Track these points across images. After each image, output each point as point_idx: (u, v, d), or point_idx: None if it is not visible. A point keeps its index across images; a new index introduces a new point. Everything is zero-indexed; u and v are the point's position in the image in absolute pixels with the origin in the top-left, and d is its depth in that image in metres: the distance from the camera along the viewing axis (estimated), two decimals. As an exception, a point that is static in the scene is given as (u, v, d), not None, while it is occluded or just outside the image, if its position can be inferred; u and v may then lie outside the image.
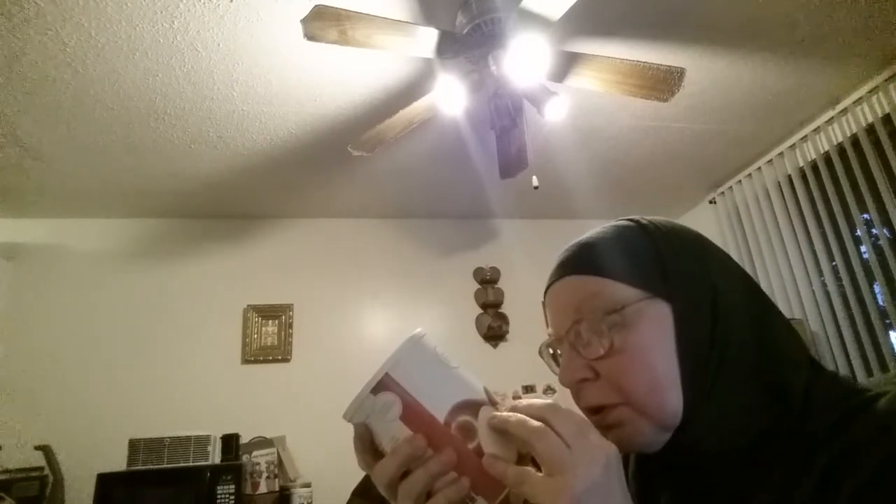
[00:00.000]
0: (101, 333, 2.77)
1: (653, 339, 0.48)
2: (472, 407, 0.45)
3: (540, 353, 0.56)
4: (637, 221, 0.54)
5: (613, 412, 0.48)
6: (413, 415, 0.44)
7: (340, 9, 1.44)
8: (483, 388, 0.48)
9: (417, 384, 0.45)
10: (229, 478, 2.32)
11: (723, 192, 3.27)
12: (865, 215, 2.45)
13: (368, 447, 0.46)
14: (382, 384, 0.44)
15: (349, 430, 0.46)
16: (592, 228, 0.56)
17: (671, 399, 0.47)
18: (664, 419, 0.47)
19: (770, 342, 0.48)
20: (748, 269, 3.04)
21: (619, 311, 0.48)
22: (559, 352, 0.54)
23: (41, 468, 2.39)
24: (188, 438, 2.46)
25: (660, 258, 0.50)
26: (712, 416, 0.46)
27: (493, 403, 0.47)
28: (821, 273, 2.67)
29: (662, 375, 0.47)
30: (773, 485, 0.43)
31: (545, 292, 0.56)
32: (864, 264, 2.46)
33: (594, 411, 0.50)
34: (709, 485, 0.47)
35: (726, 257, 0.54)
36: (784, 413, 0.45)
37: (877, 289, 2.41)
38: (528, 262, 3.30)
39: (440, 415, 0.44)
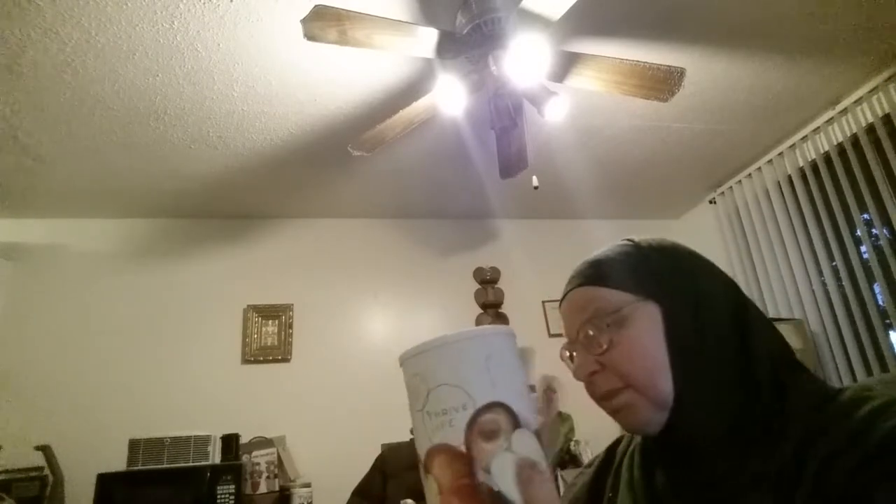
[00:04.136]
0: (100, 333, 2.77)
1: (644, 332, 0.57)
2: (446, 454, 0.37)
3: (561, 356, 0.65)
4: (636, 243, 0.65)
5: (619, 396, 0.58)
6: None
7: (340, 9, 1.45)
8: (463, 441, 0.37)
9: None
10: (229, 478, 2.32)
11: (723, 192, 3.27)
12: (865, 215, 2.45)
13: None
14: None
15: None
16: (601, 248, 0.67)
17: (664, 381, 0.56)
18: (659, 398, 0.56)
19: (746, 339, 0.56)
20: (748, 269, 3.07)
21: (617, 312, 0.58)
22: (574, 353, 0.63)
23: (41, 468, 2.38)
24: (188, 438, 2.46)
25: (652, 270, 0.60)
26: (699, 396, 0.55)
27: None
28: (821, 273, 2.67)
29: (655, 360, 0.56)
30: (753, 459, 0.51)
31: (560, 302, 0.66)
32: (864, 264, 2.46)
33: (604, 398, 0.59)
34: (696, 461, 0.55)
35: (713, 268, 0.63)
36: (757, 401, 0.53)
37: (877, 289, 2.41)
38: (528, 262, 3.31)
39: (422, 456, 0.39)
